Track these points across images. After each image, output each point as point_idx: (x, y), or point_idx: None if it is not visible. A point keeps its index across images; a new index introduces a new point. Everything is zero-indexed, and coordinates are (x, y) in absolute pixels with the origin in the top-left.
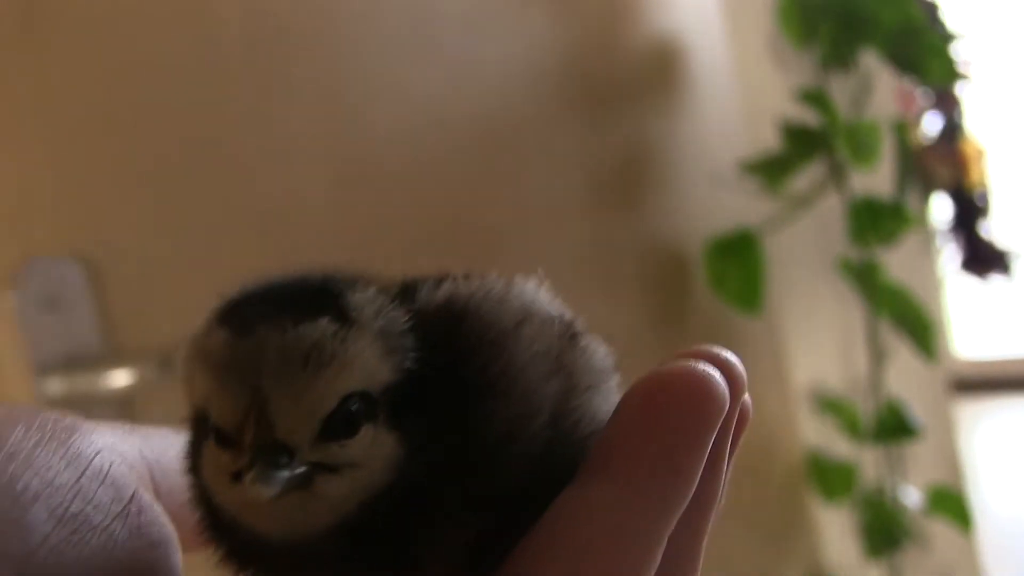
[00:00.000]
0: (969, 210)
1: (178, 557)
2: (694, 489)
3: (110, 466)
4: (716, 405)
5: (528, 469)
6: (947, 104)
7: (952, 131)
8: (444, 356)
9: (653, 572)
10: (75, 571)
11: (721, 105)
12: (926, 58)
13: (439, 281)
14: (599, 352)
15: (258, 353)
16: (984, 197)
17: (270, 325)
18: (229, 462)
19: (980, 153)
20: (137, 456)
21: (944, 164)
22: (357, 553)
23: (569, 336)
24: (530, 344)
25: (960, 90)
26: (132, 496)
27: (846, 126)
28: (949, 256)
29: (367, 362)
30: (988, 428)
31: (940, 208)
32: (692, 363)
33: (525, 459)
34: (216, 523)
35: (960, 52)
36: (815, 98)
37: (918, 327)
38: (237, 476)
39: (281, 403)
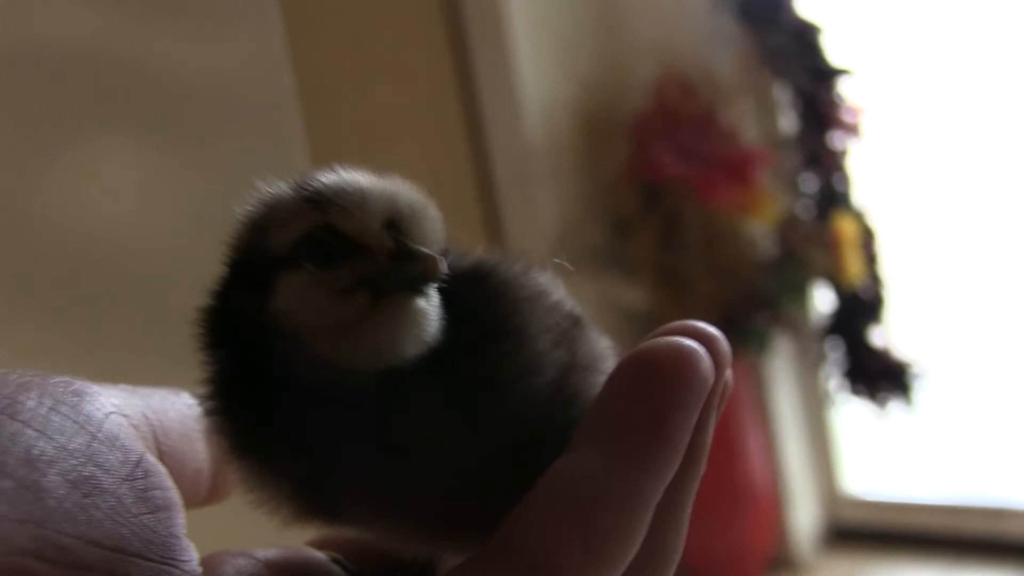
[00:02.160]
0: (852, 308)
1: (182, 522)
2: (680, 459)
3: (119, 429)
4: (702, 380)
5: (528, 417)
6: (826, 163)
7: (828, 202)
8: (470, 303)
9: (640, 538)
10: (87, 535)
11: None
12: None
13: (465, 252)
14: (599, 340)
15: (392, 187)
16: (874, 292)
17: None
18: (345, 277)
19: (864, 234)
20: (141, 417)
21: (815, 247)
22: (383, 407)
23: (574, 321)
24: (543, 314)
25: (846, 146)
26: (139, 460)
27: None
28: (832, 367)
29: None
30: None
31: (822, 303)
32: (679, 339)
33: (527, 405)
34: (244, 395)
35: None
36: None
37: None
38: (349, 291)
39: (416, 222)
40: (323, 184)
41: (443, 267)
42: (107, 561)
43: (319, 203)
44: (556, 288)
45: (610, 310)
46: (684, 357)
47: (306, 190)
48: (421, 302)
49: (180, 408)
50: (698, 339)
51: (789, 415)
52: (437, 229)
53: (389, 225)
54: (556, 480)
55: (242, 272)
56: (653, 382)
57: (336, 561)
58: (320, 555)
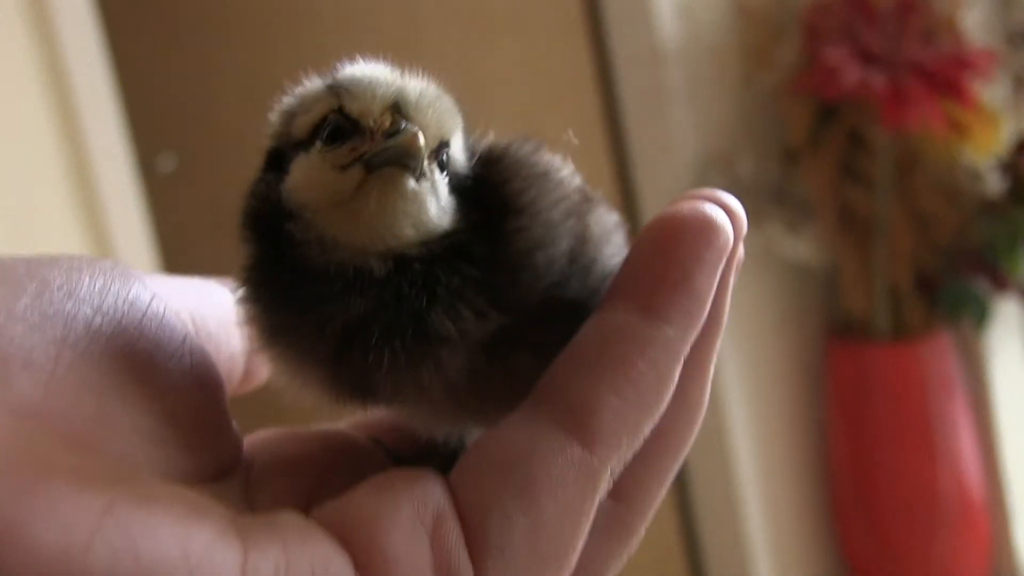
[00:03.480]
0: None
1: (226, 400)
2: (705, 315)
3: (164, 310)
4: (724, 239)
5: (546, 287)
6: None
7: None
8: (484, 183)
9: (671, 388)
10: (144, 407)
11: None
12: None
13: (479, 138)
14: (610, 215)
15: (407, 79)
16: None
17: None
18: (345, 153)
19: None
20: (180, 303)
21: None
22: (401, 291)
23: (584, 196)
24: (555, 188)
25: None
26: (184, 338)
27: None
28: None
29: (459, 130)
30: None
31: None
32: (703, 203)
33: (545, 273)
34: (265, 267)
35: None
36: None
37: None
38: (349, 166)
39: (421, 109)
40: (343, 74)
41: (420, 142)
42: (161, 433)
43: (335, 90)
44: (566, 166)
45: (771, 264)
46: (708, 219)
47: (329, 80)
48: (411, 182)
49: (215, 297)
50: (719, 205)
51: (1015, 406)
52: (446, 117)
53: (395, 110)
54: (590, 334)
55: (273, 158)
56: (680, 242)
57: (375, 443)
58: (359, 437)
